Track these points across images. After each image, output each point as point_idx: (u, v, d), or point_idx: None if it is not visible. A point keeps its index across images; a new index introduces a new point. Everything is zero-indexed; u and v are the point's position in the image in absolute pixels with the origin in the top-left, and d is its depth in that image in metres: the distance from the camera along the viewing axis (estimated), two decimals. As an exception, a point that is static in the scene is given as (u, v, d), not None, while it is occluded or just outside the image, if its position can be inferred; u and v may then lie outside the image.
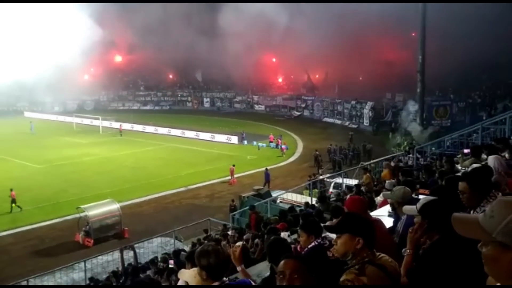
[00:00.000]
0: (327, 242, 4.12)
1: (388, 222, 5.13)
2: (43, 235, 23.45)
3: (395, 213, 4.95)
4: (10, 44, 57.05)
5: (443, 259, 2.73)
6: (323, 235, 4.29)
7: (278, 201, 21.85)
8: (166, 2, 63.46)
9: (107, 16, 60.56)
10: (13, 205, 26.21)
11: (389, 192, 5.00)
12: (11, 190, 26.46)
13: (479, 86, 50.97)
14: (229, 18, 59.36)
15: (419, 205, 3.27)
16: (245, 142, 44.83)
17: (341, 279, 2.62)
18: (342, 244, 2.85)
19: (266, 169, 31.74)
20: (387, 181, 10.87)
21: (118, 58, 78.26)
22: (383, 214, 5.61)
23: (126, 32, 66.63)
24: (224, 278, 3.35)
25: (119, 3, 61.75)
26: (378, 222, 4.22)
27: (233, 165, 32.49)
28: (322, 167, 34.46)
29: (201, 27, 63.49)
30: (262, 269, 4.02)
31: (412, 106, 39.41)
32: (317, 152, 36.21)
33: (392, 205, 4.89)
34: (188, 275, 3.68)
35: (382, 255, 2.85)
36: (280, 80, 71.62)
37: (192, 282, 3.56)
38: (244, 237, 10.64)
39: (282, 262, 2.59)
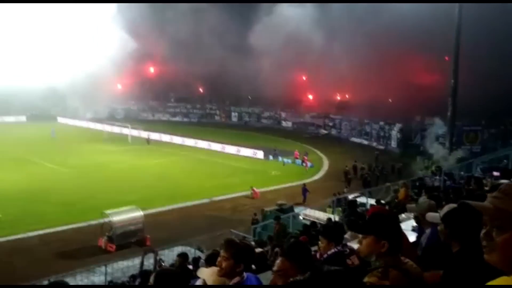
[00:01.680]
0: (347, 250, 4.06)
1: (411, 238, 5.03)
2: (67, 238, 23.82)
3: (419, 227, 4.85)
4: (46, 50, 58.75)
5: (462, 272, 2.65)
6: (344, 242, 4.24)
7: (301, 217, 21.69)
8: (168, 2, 64.09)
9: (141, 28, 61.92)
10: None
11: (413, 205, 4.91)
12: None
13: (512, 113, 49.76)
14: (261, 35, 60.00)
15: (442, 212, 3.19)
16: (271, 157, 44.79)
17: (364, 280, 2.57)
18: (366, 245, 2.80)
19: (304, 184, 32.31)
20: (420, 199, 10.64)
21: (151, 69, 79.78)
22: (406, 229, 5.50)
23: (159, 44, 67.90)
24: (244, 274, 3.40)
25: (150, 16, 62.97)
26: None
27: (252, 187, 32.40)
28: (350, 184, 34.38)
29: (233, 43, 64.20)
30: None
31: (439, 128, 38.88)
32: (347, 168, 36.12)
33: (416, 218, 4.79)
34: (206, 273, 3.72)
35: (407, 260, 2.78)
36: (310, 97, 71.51)
37: (209, 280, 3.59)
38: (265, 248, 10.57)
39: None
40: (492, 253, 1.58)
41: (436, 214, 3.33)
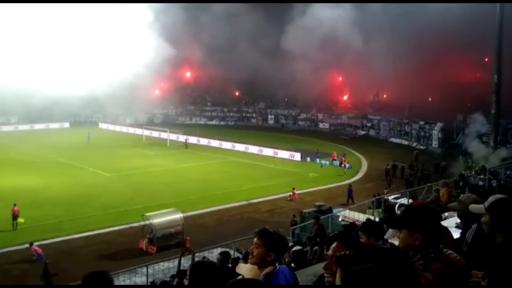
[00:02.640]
0: (388, 246, 3.98)
1: (456, 235, 4.88)
2: (110, 240, 24.43)
3: (463, 224, 4.70)
4: (86, 59, 60.61)
5: (506, 262, 2.55)
6: (385, 237, 4.16)
7: (340, 218, 21.47)
8: (178, 2, 64.42)
9: (177, 33, 62.93)
10: (15, 221, 25.22)
11: (455, 203, 4.76)
12: (14, 205, 25.67)
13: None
14: (295, 37, 59.91)
15: (487, 203, 3.08)
16: (308, 159, 44.52)
17: None
18: (401, 239, 2.76)
19: (350, 185, 32.34)
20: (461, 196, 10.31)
21: (187, 74, 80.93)
22: (449, 226, 5.34)
23: (195, 49, 68.84)
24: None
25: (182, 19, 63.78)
26: (445, 230, 4.02)
27: (293, 188, 32.29)
28: (392, 184, 33.84)
29: (268, 46, 64.28)
30: (319, 270, 4.01)
31: (481, 126, 37.70)
32: (388, 167, 35.74)
33: (460, 216, 4.65)
34: (244, 268, 3.75)
35: (450, 252, 2.71)
36: (345, 98, 70.76)
37: (247, 275, 3.63)
38: (305, 248, 10.55)
39: None
40: None
41: (480, 206, 3.22)
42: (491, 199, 3.11)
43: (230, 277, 3.88)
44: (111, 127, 69.11)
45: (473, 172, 27.95)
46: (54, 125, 68.67)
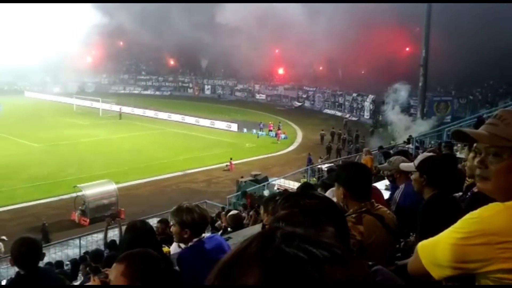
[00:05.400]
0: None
1: (385, 196, 5.08)
2: (39, 212, 23.39)
3: (393, 185, 4.91)
4: (16, 26, 57.05)
5: (441, 212, 2.69)
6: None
7: (275, 187, 21.86)
8: (167, 2, 62.95)
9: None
10: None
11: (386, 164, 4.95)
12: None
13: (481, 83, 50.75)
14: (236, 10, 59.14)
15: (417, 161, 3.23)
16: (245, 130, 44.73)
17: None
18: (334, 194, 2.84)
19: (309, 153, 32.59)
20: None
21: (119, 42, 77.84)
22: (379, 188, 5.56)
23: (128, 16, 66.26)
24: (204, 235, 3.39)
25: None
26: (375, 189, 4.17)
27: (231, 158, 32.30)
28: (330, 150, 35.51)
29: (205, 17, 63.00)
30: (255, 231, 4.06)
31: (402, 97, 39.72)
32: (322, 131, 39.70)
33: (390, 176, 4.85)
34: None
35: (380, 206, 2.81)
36: (281, 71, 71.22)
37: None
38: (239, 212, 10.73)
39: None
40: (486, 181, 1.57)
41: (411, 164, 3.37)
42: (420, 157, 3.26)
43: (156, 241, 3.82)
44: (38, 95, 65.44)
45: (392, 142, 29.48)
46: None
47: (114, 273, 2.06)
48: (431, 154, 3.40)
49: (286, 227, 1.17)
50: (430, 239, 1.62)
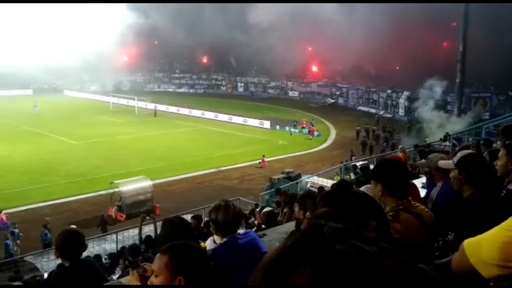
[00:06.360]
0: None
1: (422, 193, 5.01)
2: (77, 208, 24.10)
3: (430, 183, 4.83)
4: (55, 27, 58.74)
5: (482, 211, 2.64)
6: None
7: (308, 185, 21.76)
8: (167, 2, 63.32)
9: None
10: None
11: (424, 161, 4.87)
12: None
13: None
14: (264, 7, 59.08)
15: (456, 158, 3.16)
16: (277, 127, 44.71)
17: None
18: (370, 191, 2.82)
19: (351, 150, 32.68)
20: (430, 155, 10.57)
21: (154, 41, 79.03)
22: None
23: (163, 16, 67.17)
24: (239, 231, 3.41)
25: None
26: (412, 185, 4.12)
27: (263, 156, 32.32)
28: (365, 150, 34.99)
29: (237, 16, 63.16)
30: (289, 228, 4.08)
31: (435, 92, 38.74)
32: (358, 127, 39.82)
33: (428, 173, 4.78)
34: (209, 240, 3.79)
35: (418, 204, 2.78)
36: (314, 68, 70.64)
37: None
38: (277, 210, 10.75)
39: None
40: None
41: (449, 161, 3.30)
42: (459, 154, 3.19)
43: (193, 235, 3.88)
44: (76, 94, 67.32)
45: (426, 140, 28.80)
46: (17, 92, 66.32)
47: (157, 263, 2.10)
48: (470, 151, 3.33)
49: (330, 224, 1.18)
50: (477, 237, 1.59)
